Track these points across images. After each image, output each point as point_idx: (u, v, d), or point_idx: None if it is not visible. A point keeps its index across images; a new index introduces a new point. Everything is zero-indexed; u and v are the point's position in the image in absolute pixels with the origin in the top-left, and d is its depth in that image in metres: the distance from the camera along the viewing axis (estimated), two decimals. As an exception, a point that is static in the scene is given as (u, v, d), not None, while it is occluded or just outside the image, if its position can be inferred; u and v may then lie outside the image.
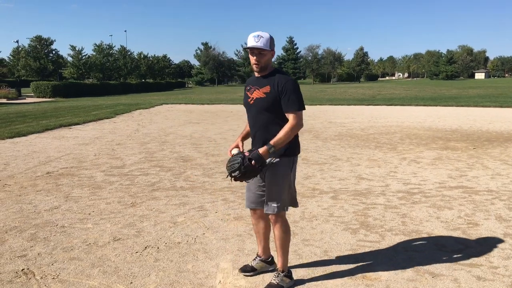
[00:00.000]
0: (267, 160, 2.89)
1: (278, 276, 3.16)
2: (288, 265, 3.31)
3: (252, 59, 2.97)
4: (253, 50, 2.91)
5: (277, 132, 2.91)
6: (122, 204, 5.24)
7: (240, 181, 2.94)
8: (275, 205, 3.03)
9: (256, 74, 3.07)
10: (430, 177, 6.54)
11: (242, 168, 2.84)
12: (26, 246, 3.93)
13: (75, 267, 3.48)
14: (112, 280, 3.26)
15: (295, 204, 3.28)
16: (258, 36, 2.89)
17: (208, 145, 9.89)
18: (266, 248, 3.42)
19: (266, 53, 2.92)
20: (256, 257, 3.45)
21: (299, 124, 2.93)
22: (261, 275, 3.33)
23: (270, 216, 3.10)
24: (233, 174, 2.88)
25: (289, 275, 3.20)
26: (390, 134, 11.63)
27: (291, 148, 3.05)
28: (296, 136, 3.07)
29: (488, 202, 5.25)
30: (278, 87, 2.93)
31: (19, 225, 4.48)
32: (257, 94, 3.03)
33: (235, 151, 3.10)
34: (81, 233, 4.26)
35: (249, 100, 3.09)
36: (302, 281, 3.25)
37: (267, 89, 2.98)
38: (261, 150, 2.86)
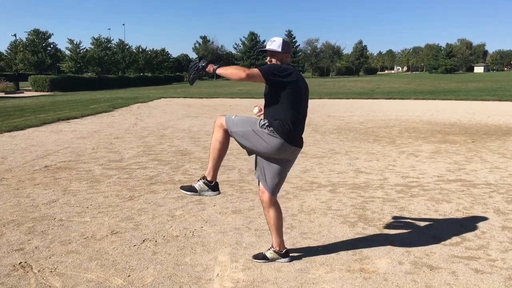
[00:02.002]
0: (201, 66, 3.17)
1: (198, 181, 3.39)
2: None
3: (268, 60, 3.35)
4: (267, 52, 3.32)
5: (273, 113, 3.18)
6: (120, 197, 5.23)
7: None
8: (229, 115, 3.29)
9: None
10: (428, 171, 6.54)
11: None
12: (24, 239, 3.92)
13: (73, 261, 3.47)
14: (110, 273, 3.25)
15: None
16: (271, 41, 3.33)
17: (206, 138, 9.86)
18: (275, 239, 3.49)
19: (277, 54, 3.29)
20: (271, 248, 3.50)
21: (246, 73, 2.99)
22: (259, 269, 3.33)
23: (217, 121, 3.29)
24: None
25: (211, 185, 3.37)
26: (389, 127, 11.63)
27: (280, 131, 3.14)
28: (288, 122, 3.15)
29: (486, 195, 5.26)
30: None
31: (17, 219, 4.47)
32: None
33: (255, 109, 3.81)
34: (79, 226, 4.26)
35: None
36: (300, 274, 3.25)
37: None
38: (211, 64, 3.16)
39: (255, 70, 3.04)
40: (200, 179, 3.37)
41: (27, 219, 4.47)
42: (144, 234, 4.04)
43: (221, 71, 3.09)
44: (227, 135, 3.27)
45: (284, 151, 3.21)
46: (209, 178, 3.35)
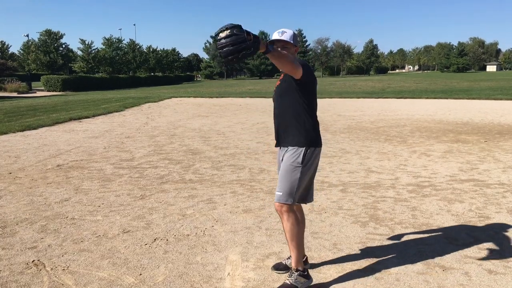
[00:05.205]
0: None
1: (292, 275, 3.03)
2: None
3: None
4: (277, 44, 2.98)
5: (295, 117, 2.99)
6: (131, 196, 5.27)
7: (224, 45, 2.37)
8: (278, 193, 2.98)
9: None
10: (440, 170, 6.48)
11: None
12: (37, 237, 3.96)
13: (85, 259, 3.50)
14: (122, 272, 3.28)
15: (305, 200, 3.19)
16: (282, 32, 3.02)
17: (217, 138, 9.89)
18: None
19: (290, 46, 3.00)
20: (290, 257, 3.33)
21: (297, 65, 2.78)
22: (269, 269, 3.33)
23: (275, 206, 3.03)
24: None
25: (305, 274, 3.04)
26: (400, 127, 11.54)
27: (303, 138, 2.98)
28: (314, 128, 3.02)
29: (500, 195, 5.19)
30: None
31: (30, 217, 4.52)
32: (277, 84, 3.18)
33: None
34: (91, 225, 4.29)
35: (273, 93, 3.21)
36: (311, 274, 3.23)
37: (282, 77, 3.13)
38: (263, 42, 2.50)
39: (301, 68, 2.81)
40: (292, 274, 3.02)
41: (40, 217, 4.51)
42: (156, 233, 4.06)
43: (277, 54, 2.62)
44: (293, 213, 2.98)
45: (313, 152, 3.04)
46: (301, 268, 3.04)
